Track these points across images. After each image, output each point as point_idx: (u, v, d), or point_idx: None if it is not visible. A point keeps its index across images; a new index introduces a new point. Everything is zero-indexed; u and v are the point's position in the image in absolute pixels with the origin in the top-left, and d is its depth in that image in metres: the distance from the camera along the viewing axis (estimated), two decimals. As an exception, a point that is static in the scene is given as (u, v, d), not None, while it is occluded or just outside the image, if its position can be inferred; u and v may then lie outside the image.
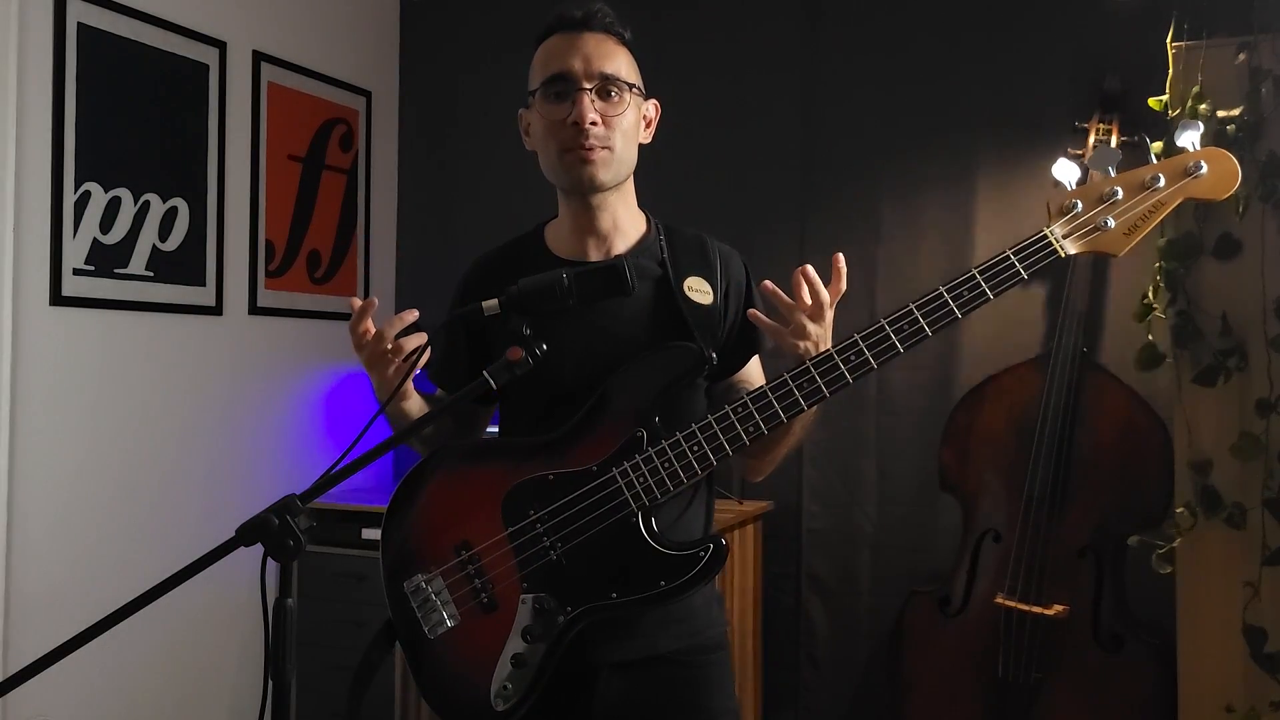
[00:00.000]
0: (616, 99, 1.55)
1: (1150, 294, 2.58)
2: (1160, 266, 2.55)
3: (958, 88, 3.20)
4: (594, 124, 1.52)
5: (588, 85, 1.53)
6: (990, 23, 3.18)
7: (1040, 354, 2.89)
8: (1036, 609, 2.68)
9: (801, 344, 1.45)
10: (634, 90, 1.57)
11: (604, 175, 1.55)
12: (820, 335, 1.45)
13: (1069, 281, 2.81)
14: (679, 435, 1.44)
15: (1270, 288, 2.46)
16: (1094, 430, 2.72)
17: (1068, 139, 2.94)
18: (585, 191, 1.56)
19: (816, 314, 1.45)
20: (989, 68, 3.17)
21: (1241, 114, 2.45)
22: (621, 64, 1.56)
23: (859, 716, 3.27)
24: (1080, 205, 1.44)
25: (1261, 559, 2.44)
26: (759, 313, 1.51)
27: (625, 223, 1.62)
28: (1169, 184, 1.44)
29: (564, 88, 1.53)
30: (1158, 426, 2.67)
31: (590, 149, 1.52)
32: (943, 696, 2.86)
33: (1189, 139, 1.48)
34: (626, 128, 1.56)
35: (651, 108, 1.63)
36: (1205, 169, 1.43)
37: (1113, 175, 1.46)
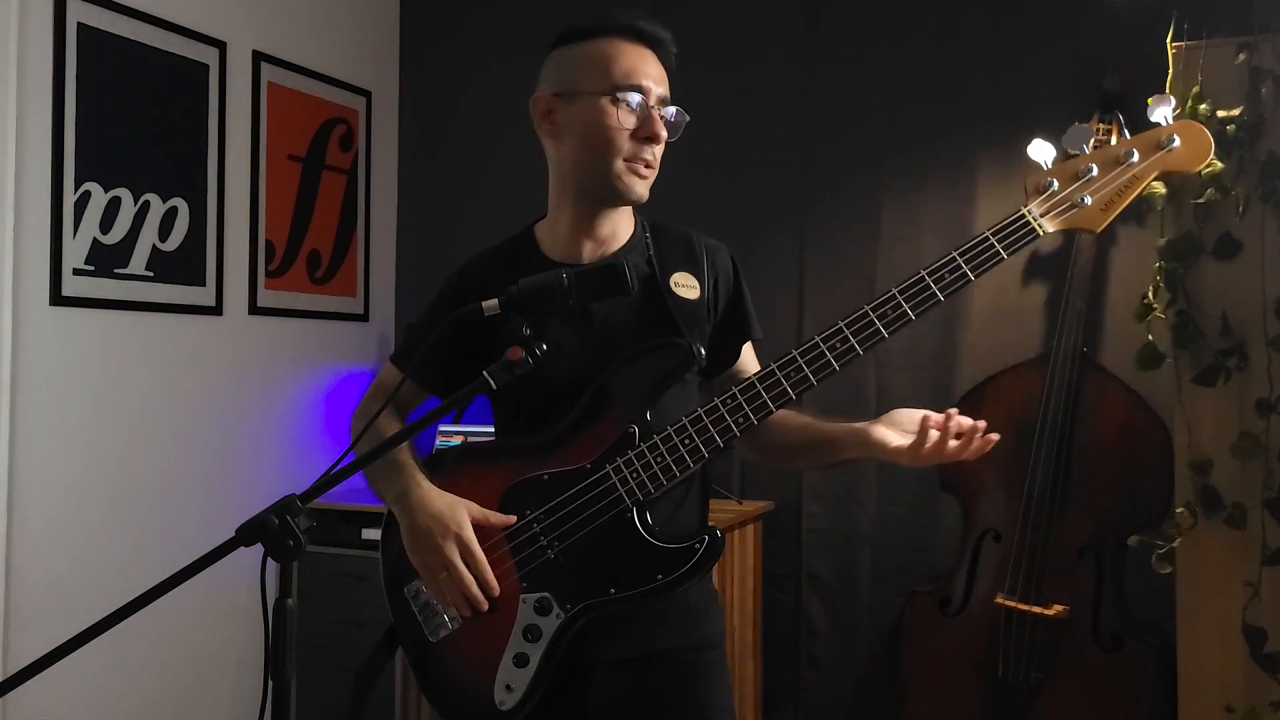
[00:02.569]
0: (668, 125, 1.57)
1: (1150, 294, 2.58)
2: (1160, 266, 2.55)
3: (958, 87, 3.20)
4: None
5: (660, 106, 1.55)
6: (990, 22, 3.18)
7: (1040, 354, 2.89)
8: (1036, 609, 2.68)
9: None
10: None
11: (646, 194, 1.57)
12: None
13: (1069, 281, 2.81)
14: (670, 429, 1.45)
15: (1270, 288, 2.46)
16: (1094, 430, 2.72)
17: (1053, 140, 2.93)
18: (620, 204, 1.58)
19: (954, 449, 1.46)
20: (989, 67, 3.17)
21: (1241, 114, 2.45)
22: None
23: (859, 716, 3.27)
24: (1056, 184, 1.46)
25: (1261, 559, 2.44)
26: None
27: (621, 228, 1.63)
28: (1143, 158, 1.46)
29: (640, 100, 1.53)
30: (1158, 426, 2.67)
31: (649, 166, 1.55)
32: (942, 696, 2.86)
33: (1161, 114, 1.49)
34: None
35: None
36: (1178, 142, 1.45)
37: (1087, 153, 1.47)
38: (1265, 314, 2.46)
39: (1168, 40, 2.54)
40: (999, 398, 2.85)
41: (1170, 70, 2.54)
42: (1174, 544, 2.52)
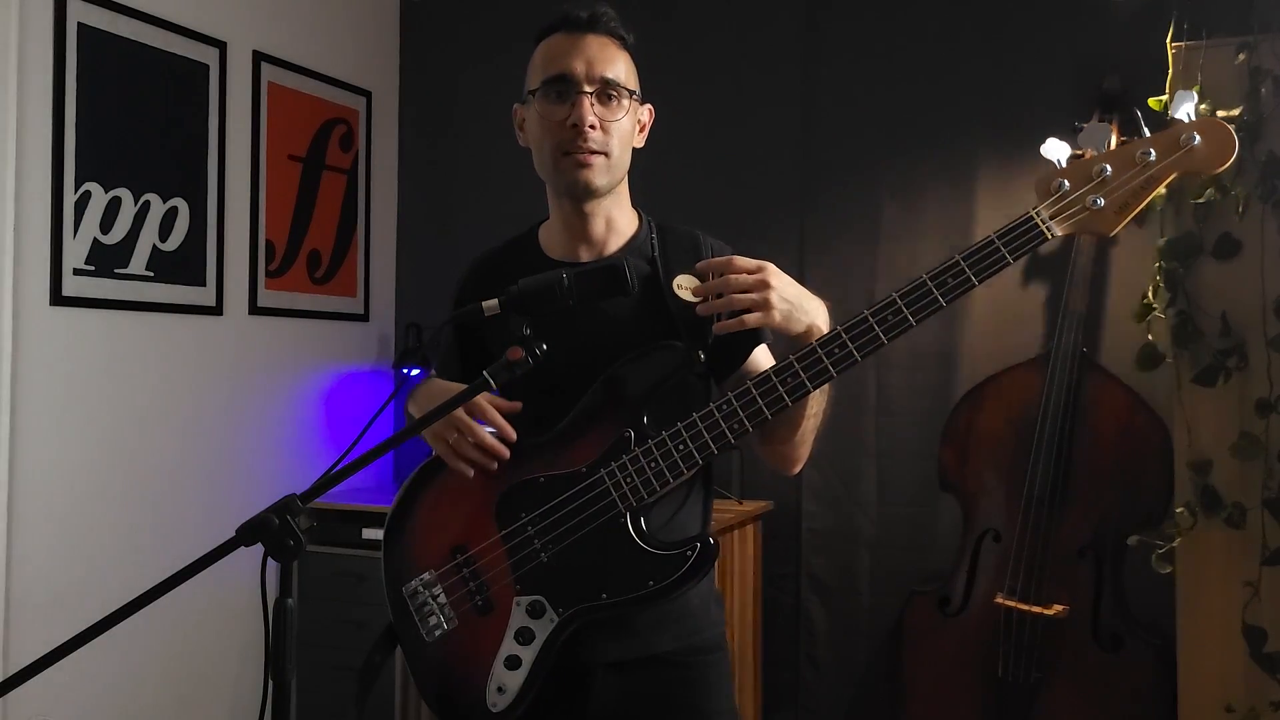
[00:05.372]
0: (615, 104, 1.54)
1: (1150, 294, 2.58)
2: (1160, 266, 2.55)
3: (957, 87, 3.20)
4: (593, 127, 1.51)
5: (589, 88, 1.52)
6: (990, 22, 3.18)
7: (1040, 354, 2.89)
8: (1036, 609, 2.68)
9: (755, 310, 1.42)
10: (633, 96, 1.57)
11: (599, 181, 1.54)
12: (774, 299, 1.42)
13: (1069, 282, 2.81)
14: (664, 435, 1.44)
15: (1270, 288, 2.46)
16: (1094, 430, 2.72)
17: (1068, 139, 2.93)
18: (580, 197, 1.56)
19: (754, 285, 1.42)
20: (989, 67, 3.17)
21: (1241, 114, 2.45)
22: (621, 68, 1.56)
23: (859, 716, 3.27)
24: (1068, 184, 1.38)
25: (1261, 559, 2.44)
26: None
27: (619, 224, 1.62)
28: (1161, 157, 1.36)
29: (564, 88, 1.52)
30: (1158, 426, 2.67)
31: (587, 153, 1.52)
32: (942, 696, 2.86)
33: (1184, 109, 1.38)
34: (623, 133, 1.56)
35: (645, 112, 1.63)
36: (1199, 140, 1.35)
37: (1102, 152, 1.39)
38: (1265, 314, 2.46)
39: (1168, 40, 2.54)
40: (999, 398, 2.85)
41: (1170, 70, 2.54)
42: (1174, 544, 2.52)
